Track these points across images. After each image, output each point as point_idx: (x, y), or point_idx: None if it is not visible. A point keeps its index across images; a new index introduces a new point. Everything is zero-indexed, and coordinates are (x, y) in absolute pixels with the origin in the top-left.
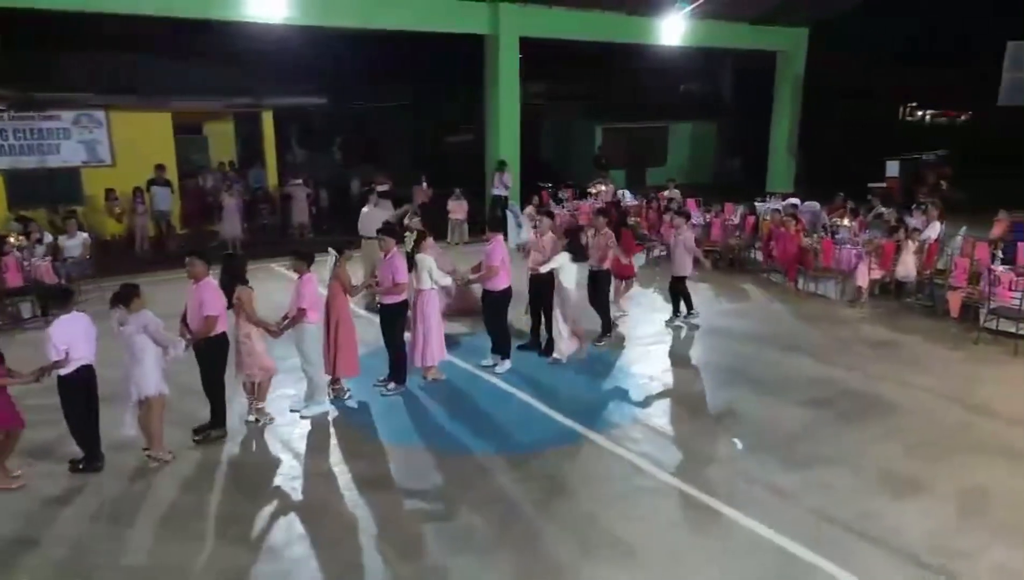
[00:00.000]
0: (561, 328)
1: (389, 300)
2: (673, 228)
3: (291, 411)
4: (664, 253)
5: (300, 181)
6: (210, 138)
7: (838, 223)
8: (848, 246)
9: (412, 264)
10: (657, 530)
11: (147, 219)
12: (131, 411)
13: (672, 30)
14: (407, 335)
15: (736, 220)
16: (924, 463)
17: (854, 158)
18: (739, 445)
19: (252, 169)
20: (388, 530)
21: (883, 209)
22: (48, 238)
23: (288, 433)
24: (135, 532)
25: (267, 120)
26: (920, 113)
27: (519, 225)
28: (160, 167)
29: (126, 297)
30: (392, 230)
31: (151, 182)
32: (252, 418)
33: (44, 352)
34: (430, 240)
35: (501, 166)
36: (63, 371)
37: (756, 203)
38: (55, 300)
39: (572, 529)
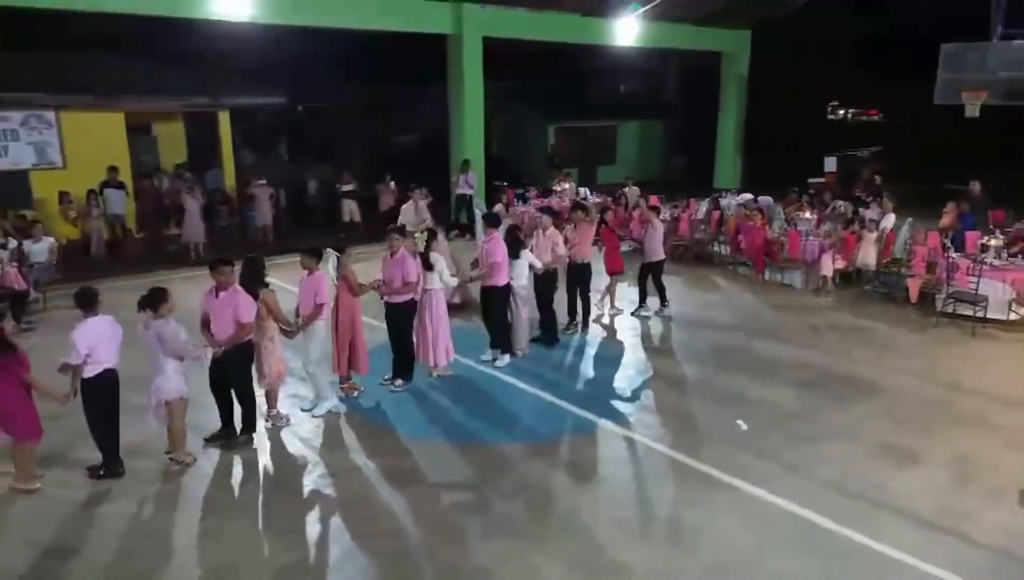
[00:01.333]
0: (522, 323)
1: (397, 299)
2: (646, 222)
3: (302, 411)
4: (635, 248)
5: (264, 182)
6: (159, 138)
7: (800, 216)
8: (812, 238)
9: (427, 262)
10: (687, 507)
11: (102, 222)
12: (153, 412)
13: (625, 31)
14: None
15: (701, 215)
16: (914, 436)
17: (794, 155)
18: (743, 426)
19: (209, 170)
20: (428, 521)
21: (840, 202)
22: (12, 243)
23: (305, 433)
24: (178, 533)
25: (223, 120)
26: (842, 112)
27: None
28: (113, 169)
29: (154, 301)
30: (403, 230)
31: (104, 184)
32: (268, 424)
33: (66, 354)
34: (441, 238)
35: (465, 165)
36: (86, 374)
37: (719, 199)
38: (78, 301)
39: (607, 511)
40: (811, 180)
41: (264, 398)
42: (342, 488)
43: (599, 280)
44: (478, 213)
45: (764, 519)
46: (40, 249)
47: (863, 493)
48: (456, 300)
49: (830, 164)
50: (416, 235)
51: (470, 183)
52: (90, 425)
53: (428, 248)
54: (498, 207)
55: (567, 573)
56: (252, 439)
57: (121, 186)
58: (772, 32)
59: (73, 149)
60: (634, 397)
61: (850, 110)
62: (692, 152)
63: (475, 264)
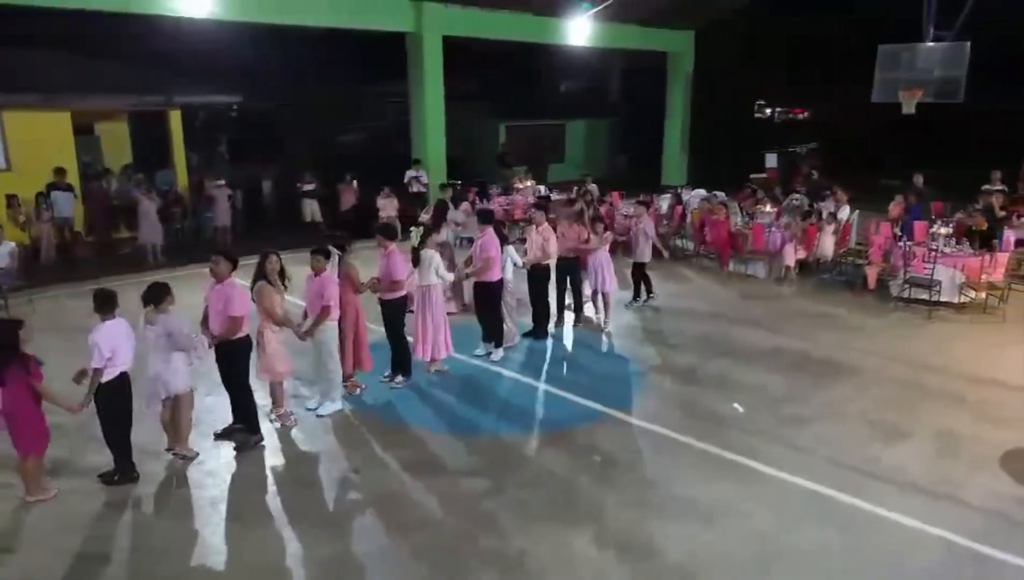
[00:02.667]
0: (510, 315)
1: (390, 296)
2: (634, 217)
3: (307, 410)
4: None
5: (222, 182)
6: (103, 138)
7: (760, 210)
8: (774, 230)
9: (417, 260)
10: (702, 487)
11: (51, 226)
12: (153, 406)
13: (576, 31)
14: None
15: (664, 210)
16: (896, 413)
17: (736, 152)
18: (740, 409)
19: (160, 171)
20: (458, 510)
21: (797, 196)
22: None
23: (316, 431)
24: (209, 534)
25: (175, 119)
26: (768, 111)
27: (455, 222)
28: (60, 170)
29: (157, 296)
30: (389, 228)
31: (52, 186)
32: (277, 423)
33: (88, 358)
34: (435, 236)
35: (416, 164)
36: (104, 378)
37: (680, 194)
38: (97, 304)
39: (630, 494)
40: (753, 176)
41: (270, 396)
42: (365, 482)
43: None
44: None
45: (776, 494)
46: (1, 253)
47: (861, 466)
48: (453, 309)
49: (771, 160)
50: (412, 231)
51: (422, 181)
52: (105, 430)
53: (423, 244)
54: (464, 205)
55: (602, 553)
56: (262, 439)
57: (69, 188)
58: (714, 33)
59: (17, 151)
60: (632, 385)
61: (777, 109)
62: (637, 150)
63: (468, 261)
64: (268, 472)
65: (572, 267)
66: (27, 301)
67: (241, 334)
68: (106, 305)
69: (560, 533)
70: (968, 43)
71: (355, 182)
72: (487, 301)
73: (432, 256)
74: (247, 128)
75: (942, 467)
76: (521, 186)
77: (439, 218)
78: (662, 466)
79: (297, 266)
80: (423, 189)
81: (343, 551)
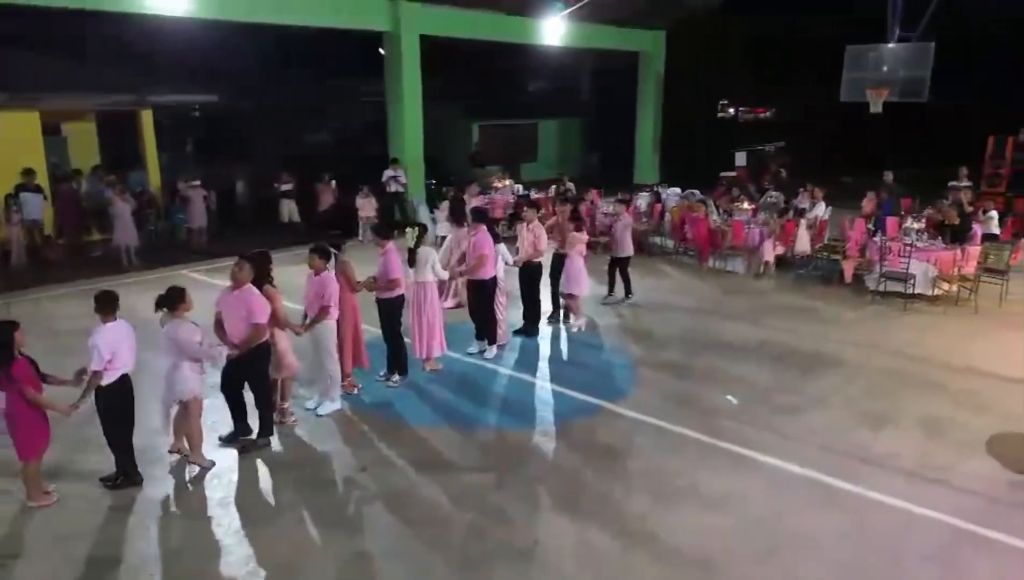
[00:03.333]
0: (503, 313)
1: (386, 295)
2: (614, 215)
3: (306, 409)
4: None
5: (198, 183)
6: (69, 139)
7: (738, 207)
8: (753, 226)
9: (413, 258)
10: (706, 477)
11: (21, 228)
12: (167, 414)
13: (551, 31)
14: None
15: (644, 207)
16: (882, 402)
17: (706, 150)
18: (734, 400)
19: (132, 172)
20: (468, 504)
21: (773, 193)
22: None
23: (318, 430)
24: (223, 535)
25: (146, 119)
26: (731, 110)
27: (433, 221)
28: (29, 172)
29: (171, 301)
30: (385, 228)
31: (20, 188)
32: (278, 419)
33: (88, 360)
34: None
35: (394, 163)
36: (105, 381)
37: (659, 192)
38: (98, 305)
39: (635, 484)
40: (723, 174)
41: (280, 391)
42: (373, 480)
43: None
44: (423, 211)
45: (775, 482)
46: None
47: (853, 453)
48: (448, 303)
49: (740, 159)
50: (407, 230)
51: (399, 180)
52: (108, 433)
53: (419, 243)
54: (444, 205)
55: (613, 541)
56: (270, 442)
57: (39, 190)
58: (685, 33)
59: None
60: (625, 379)
61: (740, 108)
62: (609, 149)
63: (462, 259)
64: (275, 472)
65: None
66: (4, 304)
67: (263, 339)
68: (107, 306)
69: (571, 524)
70: (932, 44)
71: (333, 182)
72: (480, 299)
73: (429, 253)
74: (221, 128)
75: (930, 452)
76: (500, 185)
77: (459, 214)
78: (663, 457)
79: (277, 267)
80: (401, 189)
81: (360, 548)
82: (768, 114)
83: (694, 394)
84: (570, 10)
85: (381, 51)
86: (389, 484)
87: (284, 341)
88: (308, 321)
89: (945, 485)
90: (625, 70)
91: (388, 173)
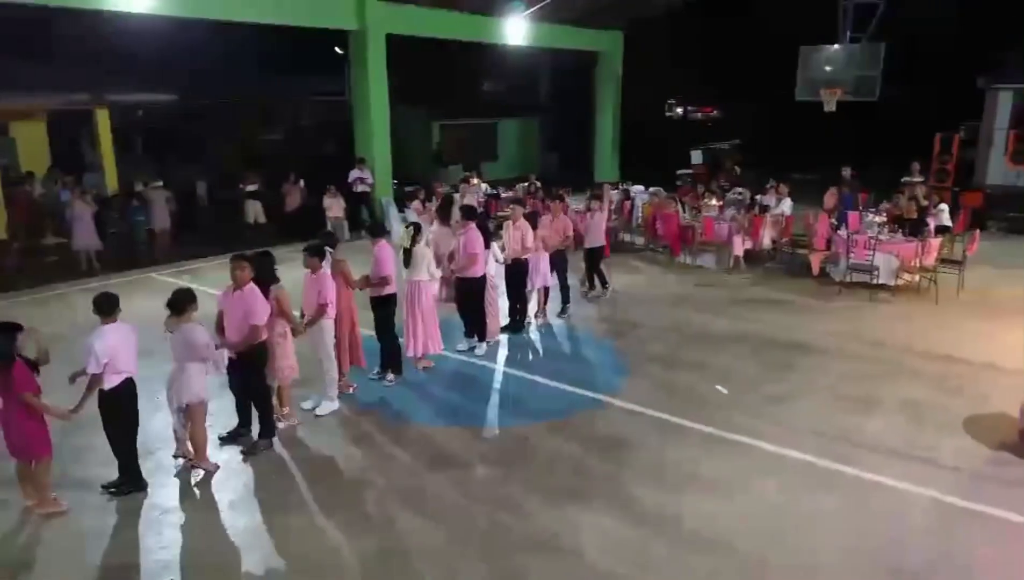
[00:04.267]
0: (495, 309)
1: (381, 293)
2: (588, 211)
3: (303, 410)
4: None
5: (160, 184)
6: (18, 140)
7: (707, 203)
8: (723, 222)
9: (409, 258)
10: (707, 463)
11: None
12: (175, 416)
13: (513, 30)
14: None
15: (614, 205)
16: (863, 387)
17: (664, 149)
18: (723, 390)
19: (88, 173)
20: (482, 499)
21: (739, 189)
22: None
23: (321, 430)
24: (238, 536)
25: (102, 118)
26: (679, 110)
27: (404, 221)
28: None
29: (179, 305)
30: (379, 228)
31: None
32: (282, 424)
33: (84, 363)
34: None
35: (361, 162)
36: (108, 385)
37: (628, 189)
38: (97, 306)
39: (640, 473)
40: (680, 171)
41: (277, 398)
42: (385, 477)
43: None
44: (392, 211)
45: (773, 467)
46: None
47: (844, 437)
48: (442, 296)
49: (696, 157)
50: (403, 230)
51: (365, 180)
52: (112, 439)
53: (414, 242)
54: (415, 204)
55: (630, 528)
56: (272, 444)
57: None
58: (641, 34)
59: None
60: (615, 372)
61: (688, 107)
62: (568, 148)
63: (451, 257)
64: (284, 474)
65: (557, 261)
66: None
67: (260, 340)
68: (106, 307)
69: (585, 512)
70: (883, 44)
71: (301, 182)
72: (470, 297)
73: (424, 253)
74: (182, 127)
75: (914, 434)
76: (471, 183)
77: (445, 213)
78: (663, 446)
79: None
80: (368, 189)
81: (382, 545)
82: (715, 113)
83: (685, 385)
84: (531, 10)
85: (338, 49)
86: (398, 480)
87: (285, 346)
88: (307, 320)
89: (932, 464)
90: (582, 70)
91: (355, 173)
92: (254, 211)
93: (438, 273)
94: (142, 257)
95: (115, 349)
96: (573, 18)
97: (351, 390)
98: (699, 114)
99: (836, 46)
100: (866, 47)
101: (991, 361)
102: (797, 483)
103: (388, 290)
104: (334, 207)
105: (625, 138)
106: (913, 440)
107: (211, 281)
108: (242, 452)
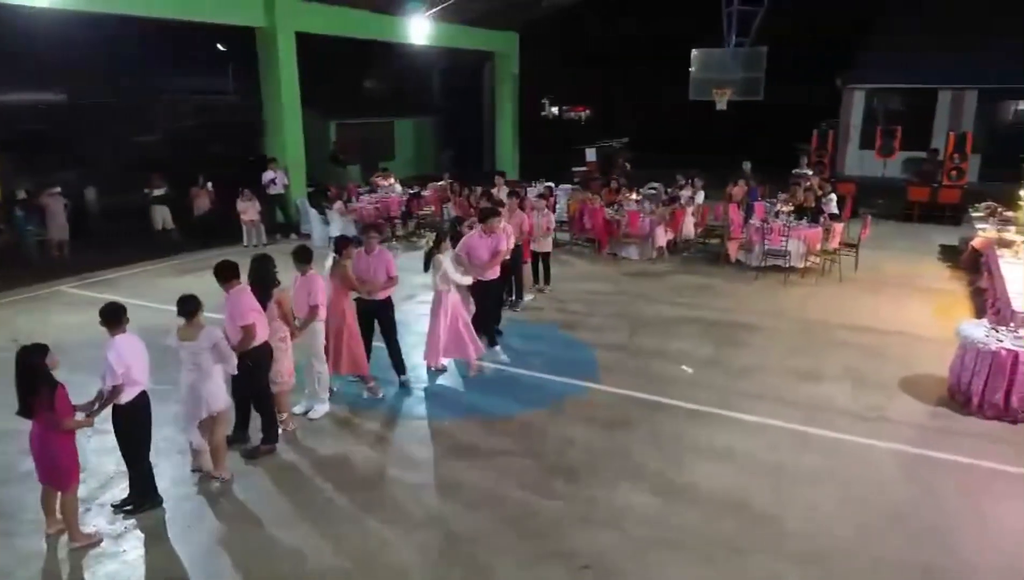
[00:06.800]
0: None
1: (383, 295)
2: (534, 210)
3: (294, 414)
4: None
5: (58, 190)
6: None
7: (627, 197)
8: (644, 216)
9: (428, 264)
10: (703, 436)
11: None
12: (194, 427)
13: (416, 29)
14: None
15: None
16: (810, 360)
17: (558, 147)
18: (689, 370)
19: None
20: (510, 485)
21: (655, 184)
22: None
23: (320, 432)
24: (270, 547)
25: None
26: (554, 109)
27: (326, 222)
28: None
29: (191, 311)
30: (376, 228)
31: None
32: (287, 428)
33: (101, 378)
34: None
35: (272, 163)
36: (122, 399)
37: (551, 186)
38: (105, 318)
39: (645, 449)
40: (575, 168)
41: (278, 400)
42: (409, 473)
43: None
44: (313, 213)
45: (759, 433)
46: None
47: (807, 403)
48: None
49: (590, 155)
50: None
51: (278, 182)
52: (128, 454)
53: (435, 250)
54: (338, 205)
55: (651, 497)
56: (275, 449)
57: None
58: (534, 35)
59: None
60: (588, 361)
61: (563, 106)
62: (465, 147)
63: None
64: (302, 478)
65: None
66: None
67: (258, 342)
68: (113, 319)
69: (606, 488)
70: (765, 48)
71: (209, 184)
72: (488, 298)
73: (440, 261)
74: (75, 128)
75: (862, 396)
76: (385, 183)
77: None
78: (656, 423)
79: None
80: (282, 190)
81: (428, 536)
82: (588, 112)
83: (654, 368)
84: (434, 10)
85: (220, 46)
86: (422, 475)
87: (286, 350)
88: (300, 322)
89: (887, 421)
90: (475, 70)
91: (268, 175)
92: (162, 216)
93: (465, 280)
94: (43, 269)
95: (130, 361)
96: (471, 18)
97: (370, 389)
98: (572, 113)
99: (730, 48)
100: (750, 50)
101: (899, 329)
102: (782, 446)
103: (388, 291)
104: (249, 210)
105: (527, 136)
106: (863, 402)
107: (132, 291)
108: (243, 456)
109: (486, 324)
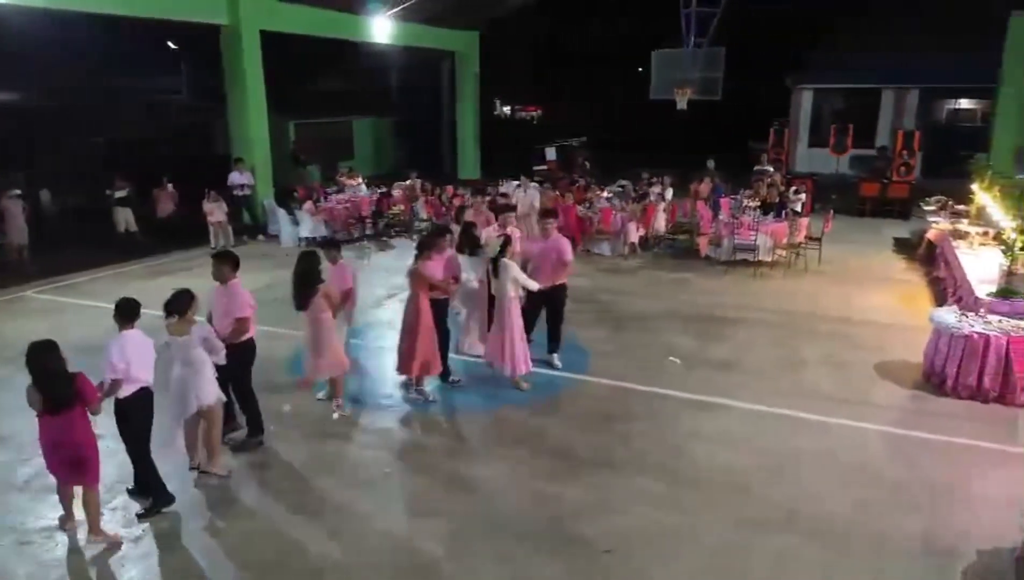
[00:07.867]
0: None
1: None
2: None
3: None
4: None
5: (18, 193)
6: None
7: (598, 195)
8: (617, 213)
9: (496, 269)
10: (699, 423)
11: None
12: (181, 426)
13: (379, 28)
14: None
15: None
16: (790, 349)
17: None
18: (677, 361)
19: None
20: (522, 476)
21: (624, 181)
22: None
23: (320, 433)
24: (303, 540)
25: None
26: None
27: (295, 223)
28: None
29: (182, 305)
30: (442, 232)
31: None
32: (336, 415)
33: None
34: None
35: (238, 163)
36: (122, 394)
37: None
38: (119, 313)
39: (646, 436)
40: (535, 167)
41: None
42: (417, 467)
43: None
44: (282, 214)
45: (754, 420)
46: None
47: (791, 390)
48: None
49: (551, 154)
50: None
51: (244, 182)
52: (132, 450)
53: (502, 254)
54: (308, 205)
55: (657, 482)
56: (263, 441)
57: None
58: (495, 35)
59: None
60: (578, 355)
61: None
62: (424, 146)
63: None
64: (307, 470)
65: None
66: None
67: (247, 336)
68: (126, 314)
69: (615, 475)
70: (723, 48)
71: (171, 185)
72: (558, 305)
73: (507, 266)
74: (33, 130)
75: (845, 382)
76: (352, 183)
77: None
78: (655, 412)
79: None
80: (248, 192)
81: (456, 526)
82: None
83: (644, 359)
84: (396, 9)
85: (170, 44)
86: (437, 470)
87: (336, 340)
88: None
89: (871, 405)
90: (434, 69)
91: (235, 176)
92: (124, 219)
93: (532, 285)
94: (5, 275)
95: (134, 356)
96: (431, 17)
97: (418, 390)
98: (523, 113)
99: (689, 49)
100: (708, 51)
101: (867, 319)
102: (775, 431)
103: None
104: (215, 212)
105: (488, 136)
106: (847, 387)
107: (97, 295)
108: (232, 449)
109: (557, 330)
